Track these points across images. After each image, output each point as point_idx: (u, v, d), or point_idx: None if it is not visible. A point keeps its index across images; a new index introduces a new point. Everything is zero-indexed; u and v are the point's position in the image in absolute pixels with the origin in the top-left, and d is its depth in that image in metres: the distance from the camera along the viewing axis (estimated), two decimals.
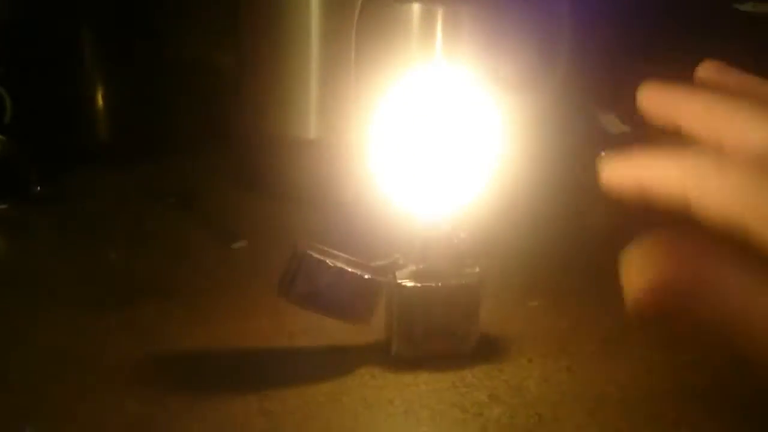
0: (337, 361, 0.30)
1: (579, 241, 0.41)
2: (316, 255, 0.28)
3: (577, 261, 0.41)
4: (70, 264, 0.40)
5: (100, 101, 0.61)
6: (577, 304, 0.36)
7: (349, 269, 0.28)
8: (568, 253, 0.42)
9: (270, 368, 0.30)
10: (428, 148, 0.29)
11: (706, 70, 0.22)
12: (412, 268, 0.29)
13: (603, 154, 0.27)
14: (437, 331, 0.29)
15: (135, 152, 0.62)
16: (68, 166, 0.55)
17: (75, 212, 0.50)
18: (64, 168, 0.55)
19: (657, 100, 0.21)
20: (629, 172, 0.20)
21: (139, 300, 0.35)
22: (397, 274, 0.29)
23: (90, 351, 0.30)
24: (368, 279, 0.28)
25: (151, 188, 0.54)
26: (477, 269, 0.29)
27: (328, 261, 0.28)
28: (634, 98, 0.22)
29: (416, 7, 0.46)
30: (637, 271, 0.18)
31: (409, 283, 0.29)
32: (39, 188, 0.50)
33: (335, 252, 0.29)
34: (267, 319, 0.33)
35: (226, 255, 0.42)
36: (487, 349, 0.30)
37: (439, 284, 0.29)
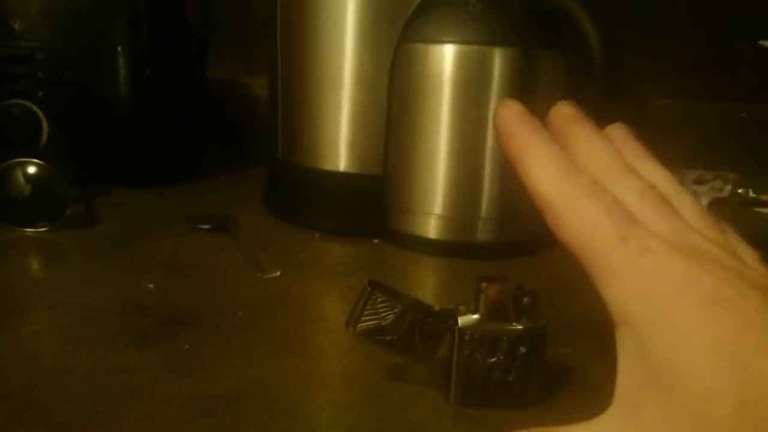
0: (378, 407, 0.30)
1: None
2: (382, 295, 0.29)
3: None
4: (106, 292, 0.41)
5: (135, 124, 0.62)
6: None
7: (414, 311, 0.30)
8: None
9: (307, 411, 0.30)
10: None
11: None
12: (476, 316, 0.29)
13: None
14: (497, 380, 0.30)
15: (170, 177, 0.63)
16: (104, 189, 0.56)
17: (110, 237, 0.51)
18: (99, 191, 0.56)
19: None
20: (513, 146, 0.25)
21: (176, 335, 0.35)
22: (460, 320, 0.29)
23: (130, 387, 0.31)
24: (431, 322, 0.30)
25: (185, 214, 0.55)
26: (541, 322, 0.30)
27: (394, 301, 0.29)
28: None
29: (450, 48, 0.47)
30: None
31: (470, 330, 0.29)
32: (74, 211, 0.51)
33: (402, 293, 0.30)
34: (303, 359, 0.34)
35: (261, 286, 0.43)
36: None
37: (502, 335, 0.29)
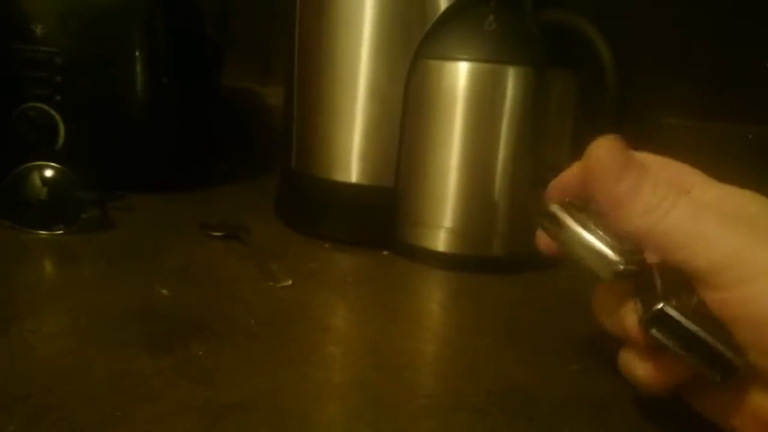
0: (389, 418, 0.31)
1: None
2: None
3: None
4: (121, 296, 0.42)
5: (151, 130, 0.63)
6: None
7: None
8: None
9: (318, 421, 0.31)
10: None
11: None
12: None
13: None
14: None
15: (183, 183, 0.64)
16: (118, 194, 0.57)
17: (123, 241, 0.52)
18: (114, 196, 0.57)
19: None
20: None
21: (190, 341, 0.36)
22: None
23: (146, 391, 0.31)
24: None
25: (198, 221, 0.55)
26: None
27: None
28: None
29: (464, 66, 0.48)
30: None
31: None
32: (89, 215, 0.52)
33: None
34: (315, 369, 0.35)
35: (273, 294, 0.43)
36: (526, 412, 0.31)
37: None
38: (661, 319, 0.27)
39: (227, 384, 0.32)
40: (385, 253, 0.53)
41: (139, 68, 0.61)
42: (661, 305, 0.27)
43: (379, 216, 0.53)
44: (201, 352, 0.35)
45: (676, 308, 0.27)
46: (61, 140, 0.61)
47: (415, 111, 0.50)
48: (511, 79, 0.48)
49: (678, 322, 0.27)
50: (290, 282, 0.45)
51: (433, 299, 0.49)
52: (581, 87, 0.50)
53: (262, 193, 0.64)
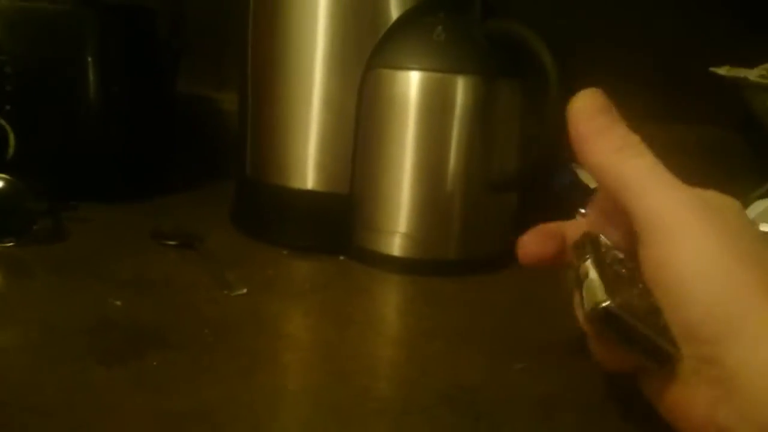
0: (341, 423, 0.31)
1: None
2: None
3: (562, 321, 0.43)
4: (74, 309, 0.41)
5: (103, 139, 0.62)
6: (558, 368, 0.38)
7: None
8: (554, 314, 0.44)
9: (273, 429, 0.31)
10: None
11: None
12: None
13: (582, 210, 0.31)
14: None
15: (137, 192, 0.63)
16: (71, 204, 0.57)
17: (76, 252, 0.52)
18: (66, 206, 0.56)
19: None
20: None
21: (145, 352, 0.36)
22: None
23: (100, 404, 0.31)
24: None
25: (150, 229, 0.55)
26: None
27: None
28: None
29: (415, 75, 0.49)
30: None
31: None
32: (41, 226, 0.52)
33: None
34: (270, 377, 0.35)
35: (228, 303, 0.44)
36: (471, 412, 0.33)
37: None
38: (601, 314, 0.28)
39: (182, 394, 0.32)
40: (342, 258, 0.54)
41: (90, 76, 0.61)
42: (600, 303, 0.28)
43: (335, 222, 0.53)
44: (155, 363, 0.35)
45: (615, 302, 0.28)
46: (11, 150, 0.60)
47: (369, 119, 0.51)
48: (461, 88, 0.49)
49: (617, 317, 0.28)
50: (245, 290, 0.45)
51: (389, 304, 0.50)
52: (527, 94, 0.52)
53: (217, 201, 0.64)
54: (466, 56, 0.49)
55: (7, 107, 0.59)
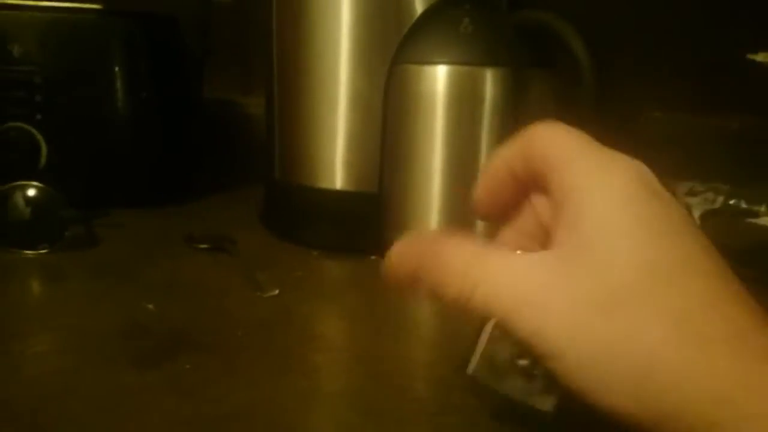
0: (378, 425, 0.31)
1: None
2: None
3: None
4: (107, 313, 0.41)
5: (133, 146, 0.63)
6: None
7: None
8: None
9: (308, 431, 0.31)
10: None
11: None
12: None
13: None
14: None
15: (167, 197, 0.63)
16: (102, 211, 0.57)
17: (109, 257, 0.52)
18: (98, 213, 0.56)
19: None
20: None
21: (178, 355, 0.36)
22: None
23: (134, 408, 0.31)
24: None
25: (183, 234, 0.55)
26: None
27: None
28: None
29: (442, 69, 0.48)
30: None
31: None
32: (74, 233, 0.52)
33: None
34: (303, 378, 0.35)
35: (260, 304, 0.43)
36: None
37: None
38: (474, 378, 0.27)
39: (215, 397, 0.32)
40: (373, 258, 0.53)
41: (119, 83, 0.61)
42: (469, 370, 0.28)
43: (365, 221, 0.53)
44: (188, 366, 0.35)
45: (483, 369, 0.27)
46: (43, 159, 0.60)
47: (396, 116, 0.50)
48: (489, 81, 0.48)
49: (485, 385, 0.27)
50: (277, 291, 0.45)
51: (423, 303, 0.49)
52: (559, 84, 0.51)
53: (247, 204, 0.64)
54: (494, 48, 0.48)
55: (38, 116, 0.60)
